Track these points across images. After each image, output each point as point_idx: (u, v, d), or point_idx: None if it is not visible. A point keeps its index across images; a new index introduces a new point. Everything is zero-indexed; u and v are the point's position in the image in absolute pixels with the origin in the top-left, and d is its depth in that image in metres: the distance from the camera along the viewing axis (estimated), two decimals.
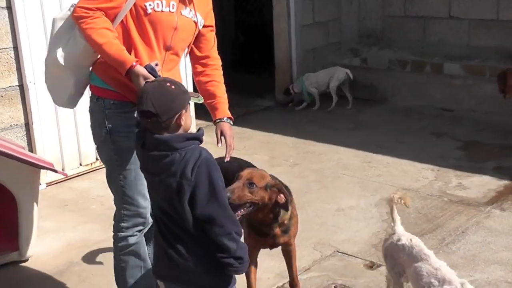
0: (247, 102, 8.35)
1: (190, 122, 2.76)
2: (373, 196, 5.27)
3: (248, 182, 3.12)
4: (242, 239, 2.82)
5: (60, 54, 3.15)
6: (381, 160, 6.06)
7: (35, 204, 4.26)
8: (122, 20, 3.07)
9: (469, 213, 4.86)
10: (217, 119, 3.38)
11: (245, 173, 3.17)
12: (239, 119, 7.53)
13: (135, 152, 3.09)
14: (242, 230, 2.83)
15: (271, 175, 3.36)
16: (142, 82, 2.93)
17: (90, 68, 3.24)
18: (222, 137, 3.34)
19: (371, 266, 4.16)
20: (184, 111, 2.67)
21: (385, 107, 7.88)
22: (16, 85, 5.42)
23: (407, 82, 8.04)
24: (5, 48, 5.31)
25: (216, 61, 3.46)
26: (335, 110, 7.81)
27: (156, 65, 3.03)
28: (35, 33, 5.38)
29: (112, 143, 3.19)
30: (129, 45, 3.09)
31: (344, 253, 4.32)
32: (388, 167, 5.89)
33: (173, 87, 2.65)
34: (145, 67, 2.98)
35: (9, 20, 5.29)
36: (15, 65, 5.38)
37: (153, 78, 2.90)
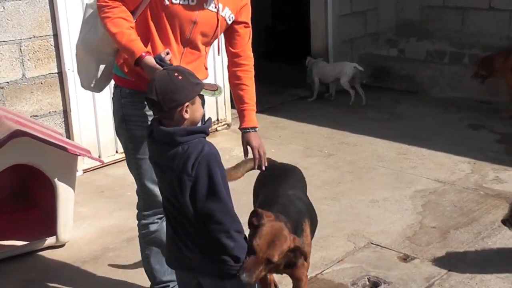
0: (283, 92, 8.34)
1: (200, 115, 2.74)
2: (408, 188, 5.23)
3: (267, 260, 2.73)
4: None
5: (82, 39, 3.29)
6: (417, 152, 6.01)
7: (72, 190, 4.32)
8: (143, 11, 3.09)
9: (506, 207, 4.78)
10: (243, 129, 3.38)
11: (262, 245, 2.72)
12: (274, 109, 7.57)
13: None
14: (243, 228, 2.76)
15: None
16: (151, 73, 2.92)
17: (111, 55, 3.29)
18: (249, 148, 3.35)
19: (405, 258, 4.14)
20: (189, 103, 2.64)
21: (422, 99, 7.79)
22: (55, 72, 5.50)
23: (444, 74, 7.93)
24: (45, 36, 5.39)
25: (248, 60, 3.41)
26: (371, 101, 7.75)
27: (167, 53, 2.99)
28: (75, 20, 5.43)
29: (127, 131, 3.25)
30: (147, 36, 3.11)
31: (378, 245, 4.30)
32: (423, 159, 5.83)
33: (180, 77, 2.62)
34: (155, 57, 2.96)
35: (50, 7, 5.37)
36: (54, 52, 5.46)
37: (161, 69, 2.85)
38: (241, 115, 3.39)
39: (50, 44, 5.43)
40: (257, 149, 3.33)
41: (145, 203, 3.36)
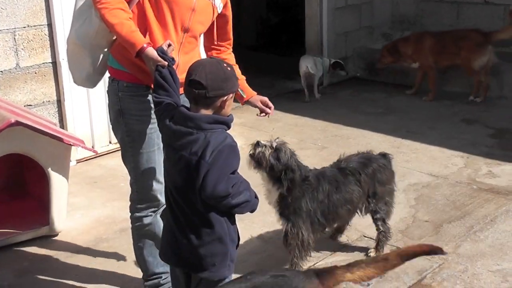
0: (277, 84, 8.34)
1: (230, 110, 2.77)
2: (401, 181, 5.23)
3: None
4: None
5: (76, 32, 3.19)
6: (410, 146, 6.02)
7: (65, 180, 4.32)
8: (138, 1, 3.06)
9: (499, 201, 4.81)
10: (247, 100, 3.48)
11: None
12: None
13: (147, 135, 3.16)
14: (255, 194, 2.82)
15: None
16: (152, 65, 2.92)
17: (106, 49, 3.24)
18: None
19: None
20: (231, 95, 2.70)
21: (416, 93, 7.80)
22: (49, 62, 5.48)
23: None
24: (39, 25, 5.37)
25: (230, 44, 3.49)
26: (365, 94, 7.76)
27: (169, 45, 2.98)
28: (69, 10, 5.35)
29: (124, 125, 3.21)
30: (145, 26, 3.08)
31: (371, 238, 4.31)
32: (417, 153, 5.84)
33: (228, 68, 2.69)
34: (156, 49, 2.94)
35: None
36: (48, 42, 5.44)
37: (163, 62, 2.87)
38: (242, 87, 3.44)
39: (44, 34, 5.41)
40: (268, 101, 3.54)
41: (139, 196, 3.35)
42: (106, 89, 3.34)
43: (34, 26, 5.34)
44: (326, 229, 4.04)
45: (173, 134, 2.72)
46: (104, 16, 2.98)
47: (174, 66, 2.97)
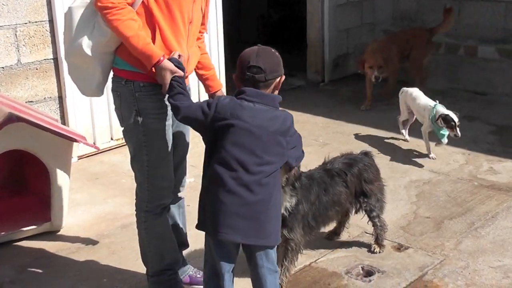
0: None
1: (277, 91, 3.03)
2: (402, 178, 5.25)
3: None
4: None
5: (86, 44, 3.11)
6: (412, 142, 6.02)
7: (67, 176, 4.32)
8: (143, 1, 3.05)
9: (500, 198, 4.82)
10: (216, 91, 3.54)
11: None
12: None
13: (164, 133, 3.20)
14: None
15: None
16: (169, 76, 2.99)
17: (112, 54, 3.21)
18: None
19: (399, 248, 4.16)
20: (283, 76, 2.99)
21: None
22: (50, 58, 5.48)
23: (440, 65, 7.93)
24: (40, 21, 5.37)
25: (205, 28, 3.52)
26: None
27: (179, 56, 3.06)
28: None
29: (142, 125, 3.19)
30: (153, 24, 3.08)
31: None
32: (418, 150, 5.84)
33: (277, 53, 2.97)
34: (170, 60, 3.02)
35: None
36: (50, 38, 5.44)
37: (180, 73, 3.02)
38: (210, 80, 3.53)
39: (46, 30, 5.40)
40: None
41: (150, 194, 3.34)
42: (113, 91, 3.27)
43: (36, 22, 5.34)
44: (314, 232, 3.91)
45: (247, 112, 2.87)
46: (118, 28, 2.98)
47: (186, 58, 3.14)
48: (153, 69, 3.04)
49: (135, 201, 3.45)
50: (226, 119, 2.87)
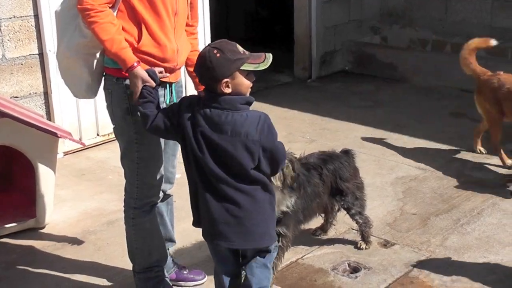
0: (265, 77, 8.29)
1: (245, 88, 2.87)
2: (389, 174, 5.26)
3: None
4: None
5: (67, 45, 3.14)
6: (398, 139, 6.04)
7: (52, 172, 4.29)
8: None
9: (485, 194, 4.84)
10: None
11: None
12: (257, 94, 7.48)
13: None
14: None
15: None
16: (140, 84, 2.99)
17: (99, 54, 3.19)
18: None
19: (385, 244, 4.17)
20: (228, 79, 2.78)
21: (404, 86, 7.82)
22: (36, 54, 5.44)
23: (427, 62, 7.96)
24: (25, 16, 5.32)
25: (196, 28, 3.51)
26: (354, 88, 7.76)
27: (161, 72, 3.08)
28: (56, 1, 5.36)
29: (133, 122, 3.18)
30: (137, 20, 3.07)
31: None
32: (405, 146, 5.86)
33: (218, 55, 2.75)
34: (147, 70, 3.02)
35: None
36: (35, 33, 5.39)
37: (152, 83, 3.00)
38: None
39: (31, 25, 5.36)
40: None
41: (139, 192, 3.32)
42: (105, 89, 3.26)
43: (21, 17, 5.29)
44: (300, 226, 3.91)
45: (209, 118, 2.79)
46: (94, 30, 2.98)
47: (175, 50, 3.16)
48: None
49: (124, 197, 3.43)
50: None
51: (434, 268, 3.87)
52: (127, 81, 3.12)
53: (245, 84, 2.85)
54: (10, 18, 5.23)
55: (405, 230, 4.35)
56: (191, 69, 3.47)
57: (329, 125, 6.50)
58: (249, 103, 2.86)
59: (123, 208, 3.44)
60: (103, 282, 3.81)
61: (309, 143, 6.00)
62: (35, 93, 5.50)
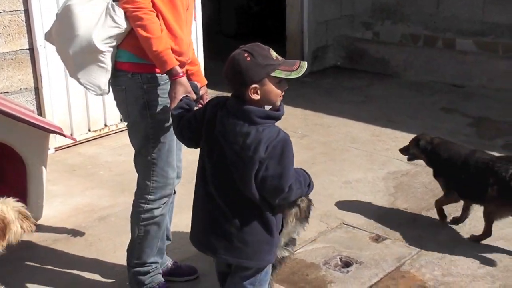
0: None
1: (275, 96, 2.69)
2: (380, 169, 5.27)
3: None
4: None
5: (99, 39, 3.03)
6: (390, 134, 6.05)
7: (43, 168, 4.28)
8: None
9: None
10: (201, 86, 3.45)
11: None
12: None
13: (169, 123, 3.16)
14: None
15: None
16: (181, 93, 2.99)
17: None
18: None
19: (377, 239, 4.18)
20: (257, 85, 2.61)
21: (396, 82, 7.84)
22: (26, 48, 5.41)
23: (419, 57, 7.98)
24: (16, 11, 5.29)
25: (191, 26, 3.47)
26: (346, 83, 7.77)
27: (201, 87, 3.18)
28: None
29: (150, 117, 3.16)
30: (155, 12, 3.04)
31: (350, 226, 4.33)
32: (396, 142, 5.86)
33: (248, 58, 2.59)
34: (190, 83, 3.06)
35: None
36: (25, 28, 5.36)
37: (194, 95, 3.00)
38: (196, 75, 3.48)
39: (21, 20, 5.33)
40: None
41: (155, 186, 3.29)
42: (117, 85, 3.19)
43: (10, 11, 5.26)
44: None
45: (224, 124, 2.67)
46: (146, 26, 2.96)
47: (188, 44, 3.21)
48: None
49: (135, 193, 3.38)
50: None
51: (425, 262, 3.88)
52: (143, 76, 3.10)
53: (275, 92, 2.66)
54: (0, 12, 5.20)
55: (397, 225, 4.36)
56: (188, 67, 3.44)
57: (322, 121, 6.50)
58: (271, 118, 2.67)
59: (133, 203, 3.40)
60: (95, 277, 3.80)
61: (301, 138, 6.00)
62: (26, 88, 5.48)
